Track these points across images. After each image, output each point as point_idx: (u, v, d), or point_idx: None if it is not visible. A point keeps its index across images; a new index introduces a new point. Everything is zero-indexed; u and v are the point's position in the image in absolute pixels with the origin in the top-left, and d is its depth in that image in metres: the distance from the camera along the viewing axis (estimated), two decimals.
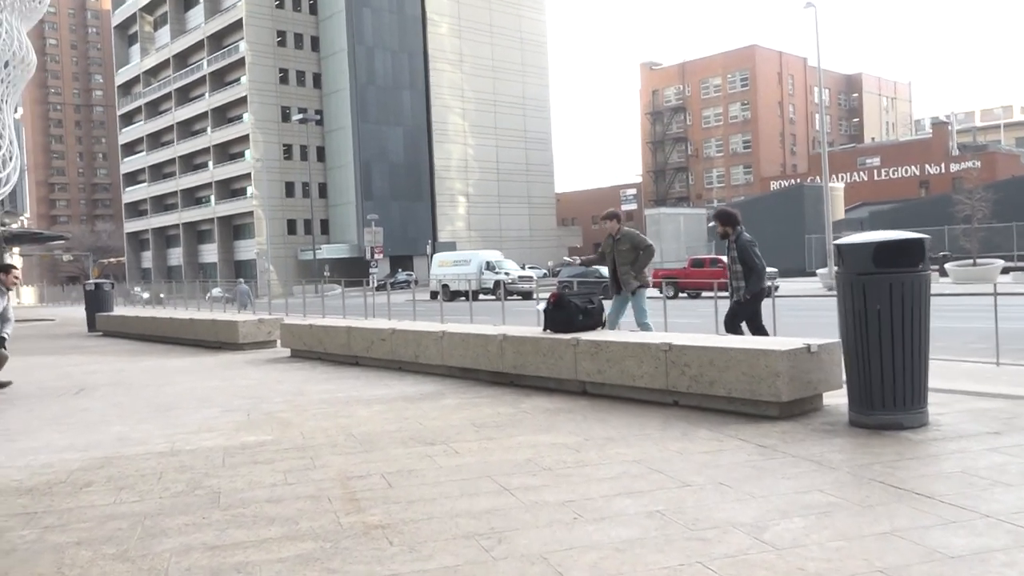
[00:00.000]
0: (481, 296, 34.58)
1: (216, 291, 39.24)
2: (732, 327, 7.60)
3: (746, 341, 5.79)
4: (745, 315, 7.57)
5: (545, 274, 45.25)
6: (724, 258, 7.86)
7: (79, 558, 3.18)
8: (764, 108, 77.91)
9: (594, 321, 7.12)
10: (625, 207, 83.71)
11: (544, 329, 7.12)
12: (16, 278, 8.57)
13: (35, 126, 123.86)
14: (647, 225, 58.51)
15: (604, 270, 27.37)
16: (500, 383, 7.33)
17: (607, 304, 8.26)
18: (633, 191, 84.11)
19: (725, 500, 3.52)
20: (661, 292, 24.94)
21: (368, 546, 3.15)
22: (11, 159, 19.88)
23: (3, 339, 8.54)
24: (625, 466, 4.19)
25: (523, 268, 40.33)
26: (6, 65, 18.83)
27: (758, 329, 7.60)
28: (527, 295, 33.43)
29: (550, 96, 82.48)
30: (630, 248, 8.68)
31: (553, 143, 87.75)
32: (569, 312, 6.97)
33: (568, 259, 9.66)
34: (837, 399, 5.52)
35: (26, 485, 4.38)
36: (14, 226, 34.88)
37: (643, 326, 8.54)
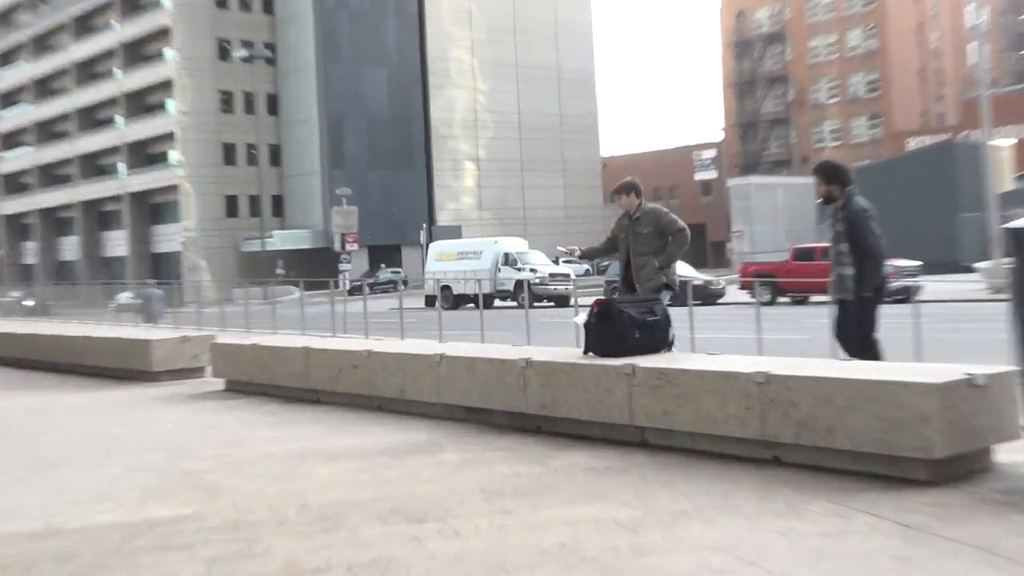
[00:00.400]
0: (497, 302, 34.63)
1: (125, 296, 39.54)
2: (863, 344, 7.32)
3: (878, 369, 5.77)
4: (871, 321, 7.37)
5: (587, 271, 45.23)
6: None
7: None
8: (896, 35, 77.23)
9: (657, 340, 7.17)
10: (700, 175, 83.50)
11: (585, 351, 7.19)
12: None
13: None
14: (731, 201, 58.15)
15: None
16: (522, 429, 7.38)
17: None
18: (711, 153, 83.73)
19: None
20: (753, 296, 24.70)
21: None
22: None
23: None
24: (703, 555, 4.13)
25: (556, 263, 40.33)
26: None
27: (867, 346, 7.35)
28: (562, 301, 33.36)
29: (593, 22, 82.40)
30: (653, 232, 8.56)
31: (598, 87, 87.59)
32: (621, 326, 6.98)
33: (562, 250, 9.54)
34: (1016, 455, 5.46)
35: None
36: None
37: None
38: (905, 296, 9.96)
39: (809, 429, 5.54)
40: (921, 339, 8.81)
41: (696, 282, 28.54)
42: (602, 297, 7.47)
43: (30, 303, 43.31)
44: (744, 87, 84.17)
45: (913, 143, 65.85)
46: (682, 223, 8.70)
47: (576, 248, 9.44)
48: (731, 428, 5.96)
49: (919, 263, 30.74)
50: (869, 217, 7.42)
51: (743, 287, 31.36)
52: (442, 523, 4.84)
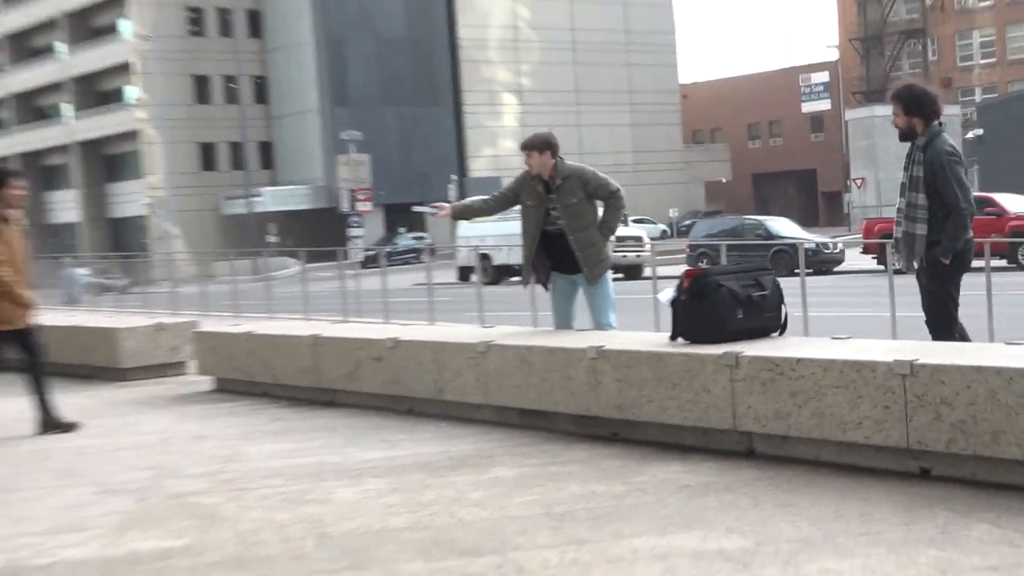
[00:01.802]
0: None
1: (82, 274, 39.96)
2: (937, 327, 7.43)
3: None
4: (948, 297, 7.46)
5: (664, 233, 45.16)
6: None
7: None
8: None
9: (766, 321, 7.24)
10: (809, 106, 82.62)
11: (673, 337, 7.24)
12: (21, 191, 9.34)
13: None
14: (849, 137, 57.52)
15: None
16: (594, 437, 7.41)
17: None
18: (822, 77, 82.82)
19: None
20: (882, 263, 24.29)
21: None
22: None
23: None
24: None
25: (624, 223, 40.28)
26: None
27: (943, 330, 7.45)
28: (632, 272, 33.27)
29: None
30: (584, 200, 8.71)
31: None
32: (720, 305, 7.00)
33: (422, 208, 9.46)
34: None
35: None
36: None
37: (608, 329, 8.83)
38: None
39: (968, 434, 5.50)
40: None
41: (807, 245, 28.32)
42: (694, 267, 7.37)
43: None
44: None
45: None
46: (615, 182, 8.85)
47: (444, 205, 9.48)
48: (866, 434, 5.93)
49: None
50: (956, 162, 7.43)
51: (867, 251, 31.16)
52: (500, 557, 4.81)
